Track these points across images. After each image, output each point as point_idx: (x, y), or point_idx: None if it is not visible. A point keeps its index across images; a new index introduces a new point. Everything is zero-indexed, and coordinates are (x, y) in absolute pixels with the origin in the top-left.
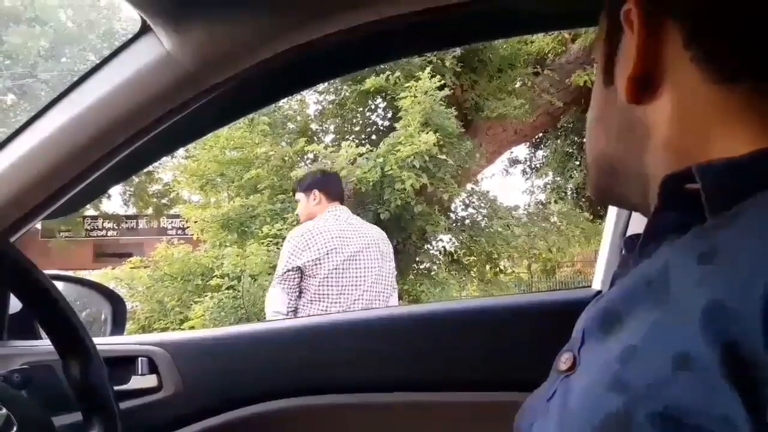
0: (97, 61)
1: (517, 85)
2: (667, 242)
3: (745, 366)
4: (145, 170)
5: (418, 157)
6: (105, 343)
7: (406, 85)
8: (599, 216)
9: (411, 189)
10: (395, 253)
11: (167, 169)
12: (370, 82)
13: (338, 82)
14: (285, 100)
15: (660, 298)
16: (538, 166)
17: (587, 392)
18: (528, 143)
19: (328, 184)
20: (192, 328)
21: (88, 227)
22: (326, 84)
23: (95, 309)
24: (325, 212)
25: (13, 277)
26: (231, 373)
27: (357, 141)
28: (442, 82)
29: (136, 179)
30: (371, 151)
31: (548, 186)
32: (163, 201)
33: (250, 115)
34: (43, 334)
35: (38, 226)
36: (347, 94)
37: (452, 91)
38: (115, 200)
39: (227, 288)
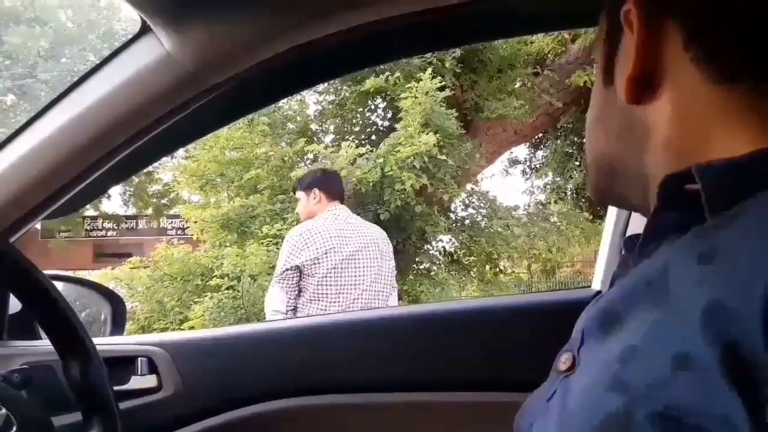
0: (97, 62)
1: (517, 86)
2: (667, 242)
3: (745, 366)
4: (145, 170)
5: (418, 157)
6: (105, 343)
7: (408, 85)
8: (599, 216)
9: (411, 189)
10: (395, 253)
11: (167, 169)
12: (370, 83)
13: (338, 82)
14: (285, 100)
15: (660, 298)
16: (537, 166)
17: (587, 392)
18: (528, 143)
19: (329, 183)
20: (192, 328)
21: (88, 227)
22: (326, 84)
23: (95, 309)
24: (325, 211)
25: (13, 277)
26: (231, 373)
27: (357, 141)
28: (443, 83)
29: (136, 179)
30: (371, 151)
31: (548, 186)
32: (163, 201)
33: (250, 116)
34: (42, 334)
35: (38, 226)
36: (347, 94)
37: (453, 92)
38: (115, 200)
39: (227, 288)
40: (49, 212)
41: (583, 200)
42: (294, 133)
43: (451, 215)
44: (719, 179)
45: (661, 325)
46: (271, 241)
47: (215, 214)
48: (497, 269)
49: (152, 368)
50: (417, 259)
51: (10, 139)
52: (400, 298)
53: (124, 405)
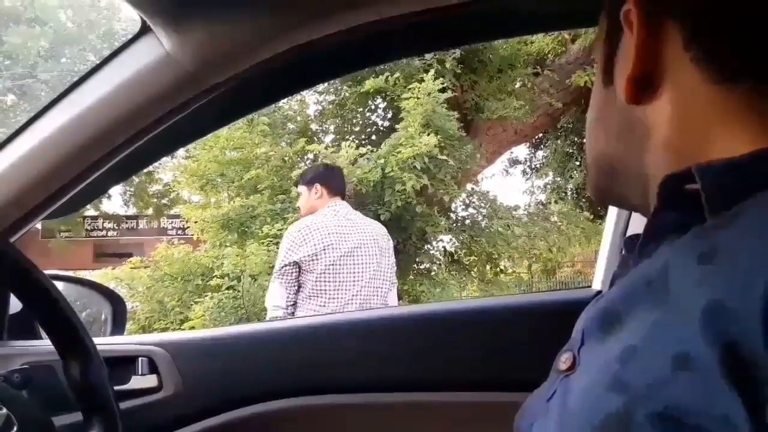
0: (97, 62)
1: (517, 86)
2: (667, 242)
3: (745, 366)
4: (146, 170)
5: (419, 158)
6: (105, 343)
7: (409, 86)
8: (600, 216)
9: (411, 190)
10: (395, 253)
11: (167, 169)
12: (370, 84)
13: (338, 82)
14: (285, 100)
15: (660, 298)
16: (538, 166)
17: (587, 392)
18: (528, 143)
19: (331, 179)
20: (192, 328)
21: (89, 227)
22: (326, 84)
23: (95, 309)
24: (325, 207)
25: (14, 277)
26: (231, 373)
27: (357, 141)
28: (444, 84)
29: (136, 179)
30: (372, 151)
31: (548, 186)
32: (164, 201)
33: (250, 116)
34: (43, 334)
35: (38, 226)
36: (347, 94)
37: (454, 93)
38: (115, 200)
39: (227, 288)
40: (50, 212)
41: (583, 200)
42: (294, 133)
43: (452, 215)
44: (719, 179)
45: (661, 325)
46: (271, 241)
47: (215, 214)
48: (498, 269)
49: (153, 368)
50: (417, 259)
51: (10, 139)
52: (400, 298)
53: (124, 405)
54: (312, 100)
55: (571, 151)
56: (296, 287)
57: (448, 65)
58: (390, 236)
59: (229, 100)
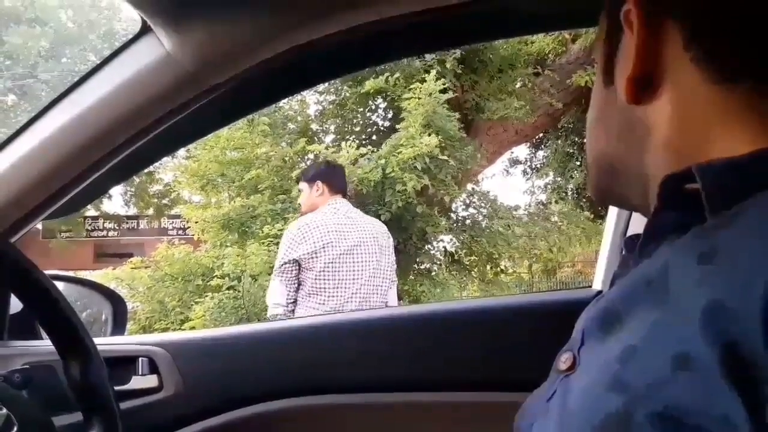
0: (98, 62)
1: (517, 86)
2: (667, 242)
3: (745, 366)
4: (146, 170)
5: (419, 158)
6: (105, 343)
7: (411, 86)
8: (600, 216)
9: (412, 190)
10: (395, 253)
11: (168, 169)
12: (370, 84)
13: (338, 82)
14: (285, 100)
15: (660, 298)
16: (538, 166)
17: (587, 392)
18: (528, 143)
19: (332, 176)
20: (192, 328)
21: (89, 227)
22: (326, 84)
23: (96, 309)
24: (326, 205)
25: (14, 277)
26: (231, 373)
27: (357, 141)
28: (446, 85)
29: (136, 179)
30: (373, 151)
31: (549, 186)
32: (164, 201)
33: (250, 116)
34: (43, 334)
35: (39, 226)
36: (347, 94)
37: (455, 93)
38: (115, 200)
39: (228, 288)
40: (50, 212)
41: (584, 200)
42: (295, 133)
43: (452, 215)
44: (719, 179)
45: (661, 325)
46: (272, 241)
47: (216, 214)
48: (498, 269)
49: (153, 368)
50: (418, 260)
51: (10, 139)
52: (400, 298)
53: (124, 405)
54: (312, 100)
55: (571, 151)
56: (296, 285)
57: (448, 65)
58: (390, 235)
59: (229, 100)
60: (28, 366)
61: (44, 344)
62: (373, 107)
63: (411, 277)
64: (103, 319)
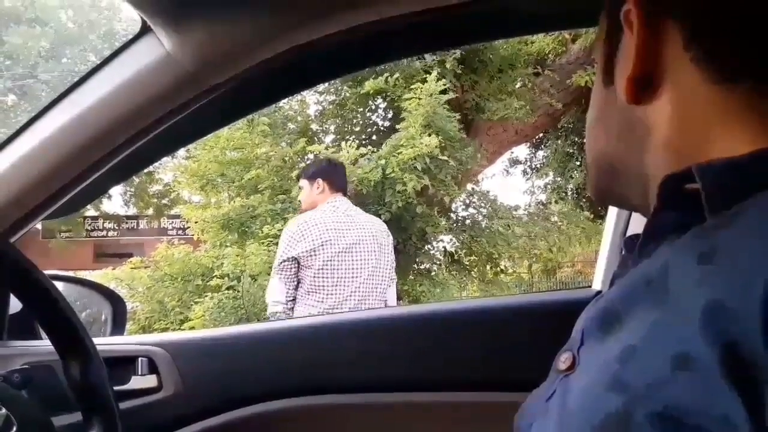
0: (98, 62)
1: (517, 86)
2: (666, 242)
3: (745, 366)
4: (146, 170)
5: (419, 159)
6: (105, 343)
7: (412, 86)
8: (600, 216)
9: (412, 191)
10: (395, 253)
11: (168, 169)
12: (369, 85)
13: (338, 82)
14: (285, 100)
15: (659, 298)
16: (538, 166)
17: (587, 392)
18: (528, 143)
19: (333, 174)
20: (192, 328)
21: (89, 227)
22: (326, 84)
23: (95, 309)
24: (326, 203)
25: (13, 277)
26: (231, 373)
27: (357, 141)
28: (446, 86)
29: (136, 179)
30: (373, 152)
31: (549, 186)
32: (164, 201)
33: (250, 116)
34: (43, 334)
35: (39, 226)
36: (347, 94)
37: (455, 94)
38: (115, 200)
39: (227, 288)
40: (50, 212)
41: (583, 200)
42: (294, 134)
43: (452, 215)
44: (719, 179)
45: (661, 325)
46: (271, 242)
47: (216, 215)
48: (498, 269)
49: (152, 368)
50: (417, 260)
51: (10, 139)
52: (400, 298)
53: (124, 405)
54: (312, 100)
55: (571, 151)
56: (295, 283)
57: (448, 65)
58: (390, 233)
59: (229, 100)
60: (27, 366)
61: (44, 344)
62: (373, 107)
63: (411, 277)
64: (103, 319)
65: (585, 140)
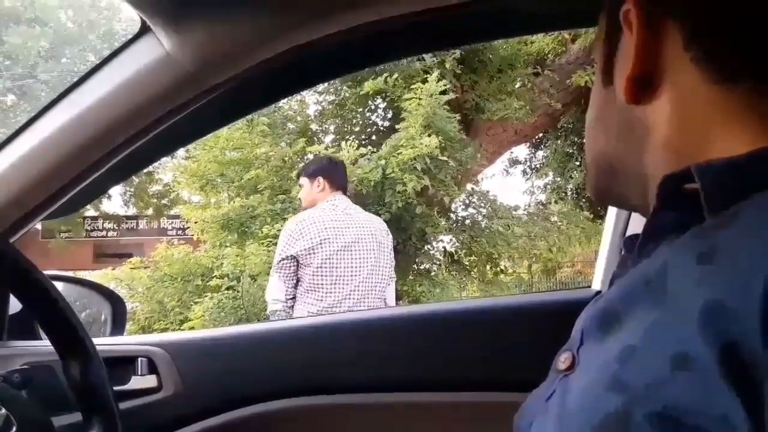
0: (97, 62)
1: (517, 86)
2: (666, 242)
3: (744, 366)
4: (146, 171)
5: (419, 159)
6: (105, 343)
7: (412, 87)
8: (600, 216)
9: (412, 191)
10: (395, 253)
11: (167, 169)
12: (369, 86)
13: (338, 82)
14: (285, 100)
15: (659, 298)
16: (538, 166)
17: (586, 392)
18: (528, 143)
19: (334, 173)
20: (192, 328)
21: (89, 228)
22: (326, 84)
23: (95, 309)
24: (325, 201)
25: (13, 277)
26: (231, 374)
27: (357, 141)
28: (447, 86)
29: (136, 180)
30: (373, 152)
31: (548, 186)
32: (164, 201)
33: (250, 116)
34: (42, 334)
35: (38, 226)
36: (347, 94)
37: (455, 94)
38: (115, 201)
39: (227, 288)
40: (50, 212)
41: (583, 200)
42: (294, 134)
43: (452, 215)
44: (719, 178)
45: (660, 325)
46: (271, 242)
47: (215, 215)
48: (498, 269)
49: (152, 368)
50: (417, 260)
51: (10, 139)
52: (399, 298)
53: (124, 405)
54: (312, 100)
55: (571, 151)
56: (295, 281)
57: (448, 65)
58: (389, 231)
59: (229, 100)
60: (27, 366)
61: (43, 344)
62: (373, 107)
63: (410, 277)
64: (103, 319)
65: (584, 140)
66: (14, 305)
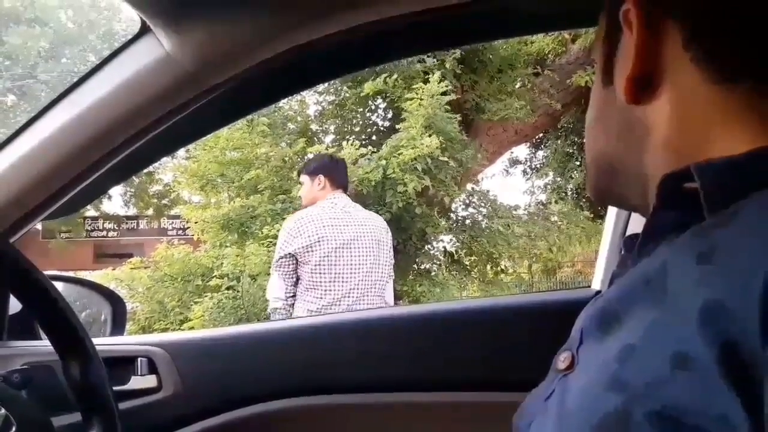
0: (97, 62)
1: (517, 86)
2: (666, 242)
3: (743, 366)
4: (146, 171)
5: (420, 159)
6: (105, 343)
7: (414, 87)
8: (599, 216)
9: (413, 191)
10: (395, 253)
11: (168, 169)
12: (369, 87)
13: (338, 82)
14: (285, 100)
15: (658, 297)
16: (538, 166)
17: (585, 392)
18: (528, 143)
19: (335, 171)
20: (192, 328)
21: (89, 228)
22: (326, 84)
23: (95, 309)
24: (325, 199)
25: (13, 277)
26: (230, 374)
27: (357, 141)
28: (448, 87)
29: (136, 180)
30: (373, 152)
31: (548, 186)
32: (164, 201)
33: (250, 116)
34: (42, 334)
35: (39, 226)
36: (347, 94)
37: (456, 95)
38: (115, 201)
39: (227, 288)
40: (50, 212)
41: (583, 200)
42: (294, 134)
43: (452, 215)
44: (718, 178)
45: (660, 325)
46: (271, 242)
47: (216, 215)
48: (498, 269)
49: (152, 368)
50: (417, 260)
51: (10, 139)
52: (399, 298)
53: (123, 405)
54: (312, 100)
55: (571, 151)
56: (294, 279)
57: (448, 65)
58: (389, 229)
59: (229, 100)
60: (27, 366)
61: (43, 344)
62: (373, 107)
63: (410, 277)
64: (103, 319)
65: (584, 140)
66: (14, 305)
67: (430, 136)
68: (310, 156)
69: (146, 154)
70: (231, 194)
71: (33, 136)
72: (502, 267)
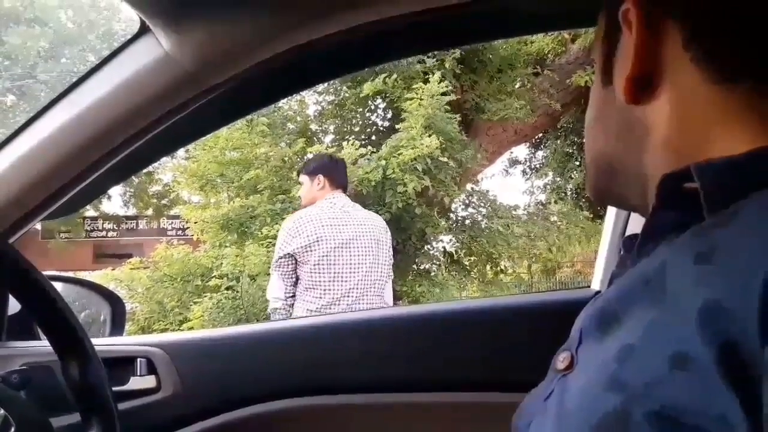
0: (97, 62)
1: (517, 86)
2: (665, 242)
3: (742, 366)
4: (145, 171)
5: (420, 160)
6: (104, 344)
7: (413, 87)
8: (599, 216)
9: (412, 191)
10: (394, 253)
11: (167, 169)
12: (368, 88)
13: (338, 82)
14: (285, 100)
15: (657, 297)
16: (538, 166)
17: (585, 392)
18: (528, 143)
19: (334, 171)
20: (191, 328)
21: (88, 228)
22: (326, 84)
23: (94, 310)
24: (324, 199)
25: (12, 277)
26: (230, 374)
27: (357, 142)
28: (448, 87)
29: (136, 180)
30: (373, 152)
31: (548, 186)
32: (163, 202)
33: (250, 116)
34: (41, 334)
35: (38, 226)
36: (347, 94)
37: (456, 96)
38: (115, 201)
39: (226, 288)
40: (49, 212)
41: (583, 200)
42: (294, 134)
43: (452, 215)
44: (718, 177)
45: (659, 325)
46: (270, 242)
47: (215, 215)
48: (498, 269)
49: (151, 369)
50: (417, 260)
51: (9, 139)
52: (399, 298)
53: (123, 405)
54: (312, 100)
55: (570, 151)
56: (294, 279)
57: (448, 65)
58: (388, 229)
59: (229, 100)
60: (26, 367)
61: (42, 345)
62: (373, 107)
63: (410, 277)
64: (102, 319)
65: (584, 140)
66: (13, 305)
67: (429, 136)
68: (310, 156)
69: (146, 154)
70: (230, 194)
71: (32, 136)
72: (502, 267)
